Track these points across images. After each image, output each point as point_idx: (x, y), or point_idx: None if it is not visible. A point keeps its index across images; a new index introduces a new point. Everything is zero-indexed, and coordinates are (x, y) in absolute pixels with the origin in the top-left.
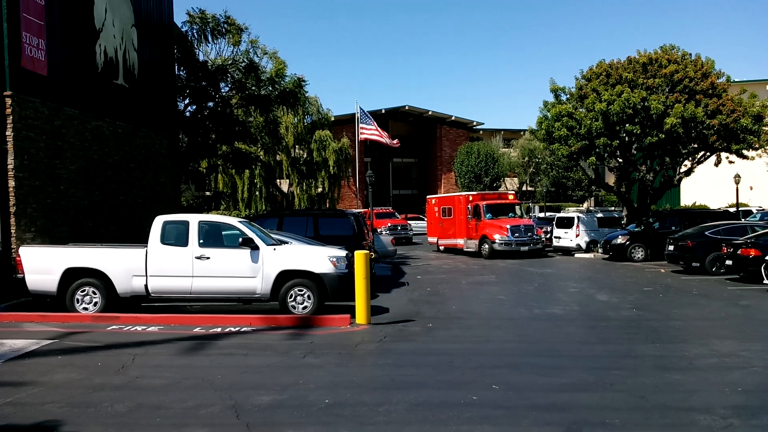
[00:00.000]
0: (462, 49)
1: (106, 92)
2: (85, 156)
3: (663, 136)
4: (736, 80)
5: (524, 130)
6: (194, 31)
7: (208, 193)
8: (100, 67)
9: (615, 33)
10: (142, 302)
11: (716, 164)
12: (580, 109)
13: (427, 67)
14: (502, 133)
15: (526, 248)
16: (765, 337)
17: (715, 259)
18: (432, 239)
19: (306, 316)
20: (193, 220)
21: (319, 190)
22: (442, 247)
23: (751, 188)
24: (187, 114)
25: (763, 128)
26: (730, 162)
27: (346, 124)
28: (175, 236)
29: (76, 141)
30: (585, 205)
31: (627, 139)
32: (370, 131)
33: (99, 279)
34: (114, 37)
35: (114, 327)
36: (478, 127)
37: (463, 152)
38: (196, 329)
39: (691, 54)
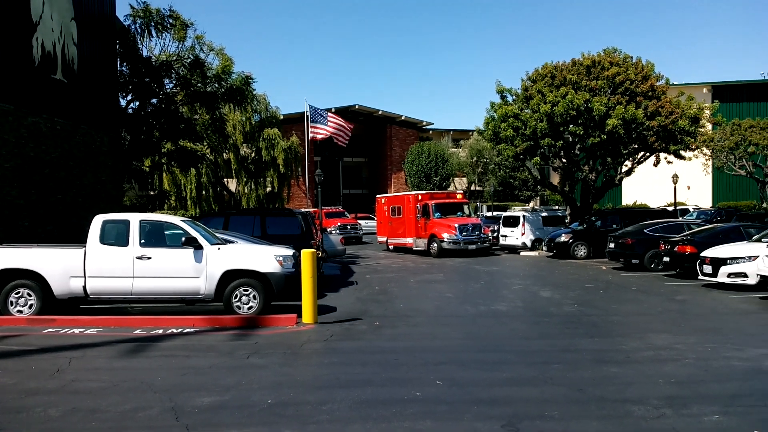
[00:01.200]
0: (412, 50)
1: (43, 87)
2: (20, 153)
3: (605, 137)
4: (674, 83)
5: (473, 131)
6: (137, 25)
7: (152, 193)
8: (37, 62)
9: (562, 36)
10: (81, 304)
11: (655, 164)
12: (526, 110)
13: (377, 67)
14: (452, 133)
15: (473, 247)
16: (698, 330)
17: (653, 256)
18: (382, 238)
19: (251, 316)
20: (134, 219)
21: (269, 189)
22: (391, 247)
23: (689, 188)
24: (130, 111)
25: (700, 130)
26: (669, 162)
27: (295, 122)
28: (115, 236)
29: (11, 138)
30: (531, 204)
31: (570, 139)
32: (322, 130)
33: (34, 280)
34: (52, 30)
35: (50, 330)
36: (428, 127)
37: (414, 152)
38: (137, 331)
39: (632, 57)
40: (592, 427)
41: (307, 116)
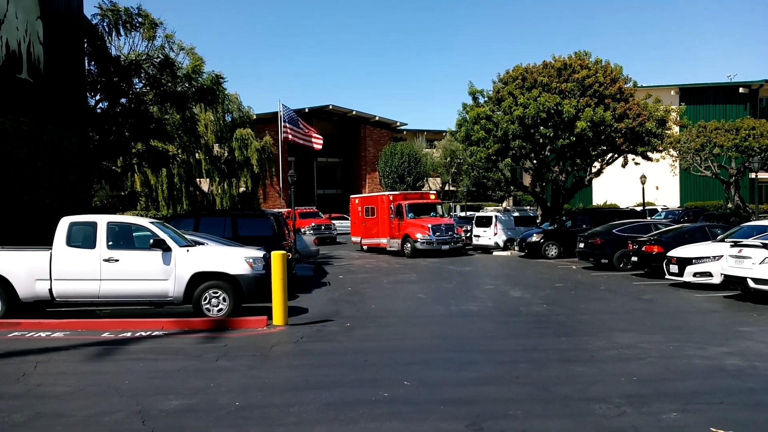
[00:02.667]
0: (386, 50)
1: (8, 87)
2: None
3: (574, 138)
4: (643, 85)
5: (446, 131)
6: (105, 24)
7: (124, 193)
8: (1, 61)
9: (535, 37)
10: (47, 307)
11: (623, 165)
12: (498, 112)
13: (350, 67)
14: (425, 133)
15: (447, 247)
16: (663, 329)
17: (622, 255)
18: (356, 239)
19: (221, 318)
20: (101, 221)
21: (242, 189)
22: (365, 247)
23: (657, 188)
24: (99, 110)
25: (666, 132)
26: (636, 164)
27: (269, 122)
28: (82, 238)
29: None
30: (503, 204)
31: (541, 141)
32: (294, 133)
33: None
34: (17, 29)
35: (16, 333)
36: (402, 127)
37: (387, 152)
38: (105, 334)
39: (602, 60)
40: (555, 426)
41: (281, 116)
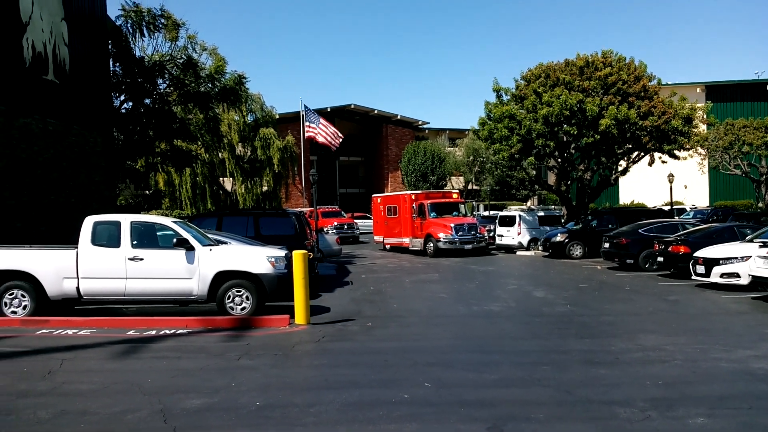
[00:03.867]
0: (408, 49)
1: (34, 88)
2: (12, 155)
3: (598, 136)
4: (668, 83)
5: (468, 130)
6: (129, 25)
7: (147, 192)
8: (28, 62)
9: (557, 35)
10: (76, 305)
11: (649, 164)
12: (521, 111)
13: (373, 66)
14: (448, 132)
15: (469, 246)
16: (689, 331)
17: (647, 256)
18: (378, 238)
19: (244, 317)
20: (125, 220)
21: (264, 188)
22: (388, 246)
23: (686, 187)
24: (123, 111)
25: (693, 130)
26: (663, 162)
27: (291, 122)
28: (107, 237)
29: (2, 139)
30: (528, 203)
31: (565, 139)
32: (315, 131)
33: (28, 281)
34: (42, 31)
35: (44, 331)
36: (424, 126)
37: (410, 151)
38: (130, 332)
39: (626, 58)
40: (577, 429)
41: (303, 116)
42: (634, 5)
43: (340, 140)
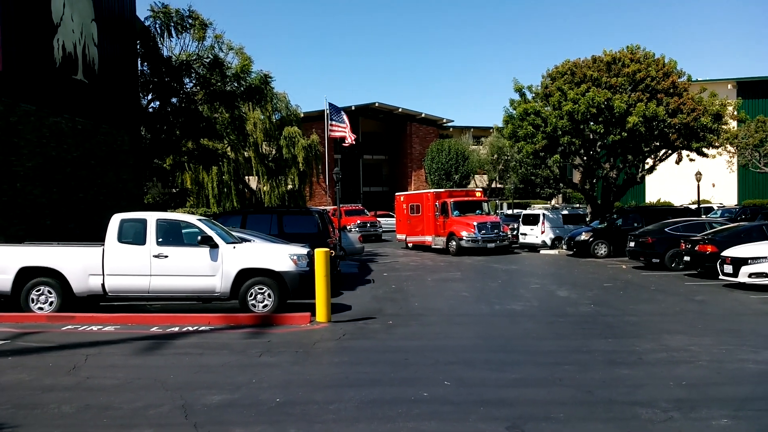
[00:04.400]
0: (432, 47)
1: (64, 88)
2: (42, 153)
3: (626, 134)
4: (697, 79)
5: (493, 128)
6: (157, 25)
7: (174, 190)
8: (58, 63)
9: (582, 31)
10: (100, 302)
11: (677, 162)
12: (546, 108)
13: (397, 64)
14: (472, 130)
15: (492, 245)
16: (715, 331)
17: (674, 255)
18: (401, 236)
19: (266, 314)
20: (151, 218)
21: (289, 187)
22: (410, 244)
23: (714, 185)
24: (151, 110)
25: (723, 127)
26: (691, 160)
27: (315, 120)
28: (133, 234)
29: (33, 137)
30: (552, 202)
31: (591, 137)
32: (338, 128)
33: (54, 278)
34: (73, 32)
35: (69, 327)
36: (448, 124)
37: (434, 149)
38: (153, 329)
39: (654, 54)
40: (597, 429)
41: (327, 114)
42: (663, 1)
43: (354, 136)
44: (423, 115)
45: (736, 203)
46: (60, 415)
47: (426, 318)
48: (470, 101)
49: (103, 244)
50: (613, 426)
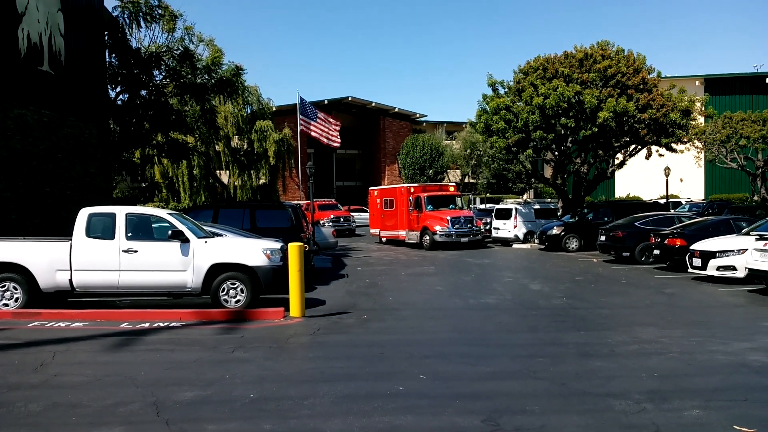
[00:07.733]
0: (405, 41)
1: (30, 79)
2: (6, 146)
3: (596, 129)
4: (666, 76)
5: (466, 123)
6: (126, 16)
7: (144, 184)
8: (23, 53)
9: (555, 27)
10: (68, 297)
11: (647, 157)
12: (518, 103)
13: (370, 59)
14: (445, 125)
15: (466, 239)
16: (685, 323)
17: (644, 248)
18: (374, 231)
19: (239, 309)
20: (120, 212)
21: (261, 181)
22: (384, 239)
23: (682, 180)
24: (119, 102)
25: (691, 123)
26: (660, 155)
27: (288, 114)
28: (102, 229)
29: None
30: (524, 197)
31: (562, 132)
32: (315, 127)
33: (20, 274)
34: (38, 21)
35: (36, 323)
36: (422, 119)
37: (408, 144)
38: (123, 325)
39: (624, 50)
40: (572, 422)
41: (299, 108)
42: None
43: (338, 134)
44: (396, 110)
45: (703, 198)
46: (27, 414)
47: (400, 312)
48: (443, 96)
49: (71, 239)
50: (587, 418)
